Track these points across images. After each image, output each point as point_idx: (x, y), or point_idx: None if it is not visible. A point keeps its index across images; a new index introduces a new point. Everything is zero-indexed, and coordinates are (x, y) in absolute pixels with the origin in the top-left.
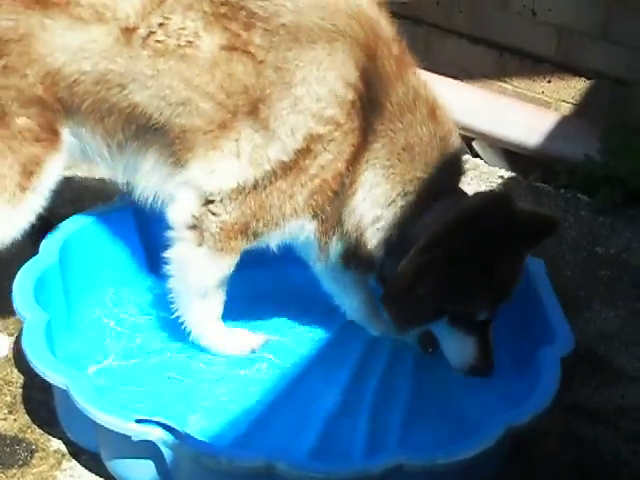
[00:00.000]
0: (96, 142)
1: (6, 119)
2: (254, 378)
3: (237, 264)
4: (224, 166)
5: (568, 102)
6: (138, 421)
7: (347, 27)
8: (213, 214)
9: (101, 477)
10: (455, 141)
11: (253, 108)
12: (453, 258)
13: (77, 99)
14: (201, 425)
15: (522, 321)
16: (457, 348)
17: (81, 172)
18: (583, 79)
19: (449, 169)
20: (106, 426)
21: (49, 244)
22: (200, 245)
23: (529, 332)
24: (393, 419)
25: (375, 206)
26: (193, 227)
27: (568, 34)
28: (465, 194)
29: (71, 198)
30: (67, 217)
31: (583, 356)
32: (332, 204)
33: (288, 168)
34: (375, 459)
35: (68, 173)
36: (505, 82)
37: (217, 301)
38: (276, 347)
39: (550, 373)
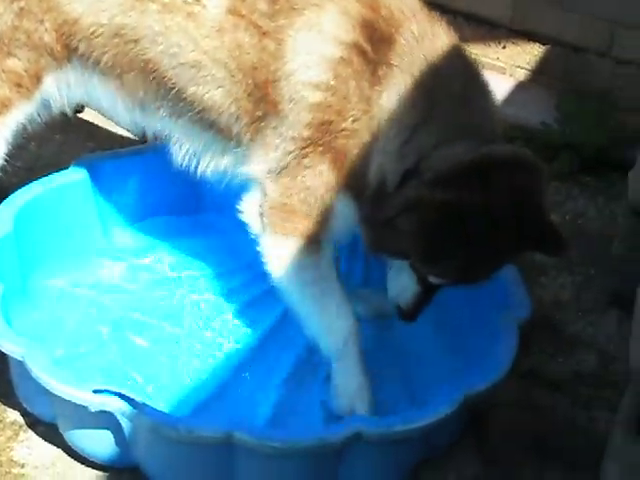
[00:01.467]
0: (112, 96)
1: None
2: (212, 349)
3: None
4: (255, 153)
5: (523, 68)
6: (95, 391)
7: None
8: (262, 194)
9: (58, 448)
10: (482, 82)
11: (264, 92)
12: (451, 210)
13: (96, 52)
14: (159, 396)
15: (478, 288)
16: (400, 285)
17: (35, 140)
18: (539, 45)
19: (479, 110)
20: (63, 397)
21: (3, 213)
22: (265, 232)
23: (485, 299)
24: None
25: (401, 132)
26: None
27: None
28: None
29: (25, 166)
30: (21, 186)
31: (539, 323)
32: (362, 162)
33: (307, 145)
34: (334, 428)
35: (21, 141)
36: None
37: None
38: (232, 318)
39: (507, 340)
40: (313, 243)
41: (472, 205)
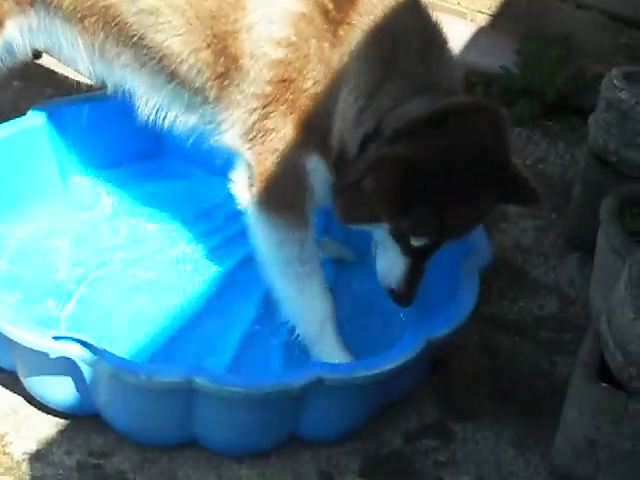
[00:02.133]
0: (74, 41)
1: None
2: (173, 295)
3: None
4: (225, 115)
5: (484, 13)
6: (55, 338)
7: None
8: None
9: (19, 396)
10: (441, 36)
11: (224, 45)
12: (414, 162)
13: None
14: (119, 342)
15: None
16: (387, 263)
17: None
18: None
19: (438, 65)
20: (23, 344)
21: None
22: (252, 206)
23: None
24: None
25: (360, 97)
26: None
27: None
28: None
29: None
30: None
31: (501, 268)
32: (324, 126)
33: (269, 102)
34: (295, 373)
35: None
36: None
37: (312, 287)
38: (193, 265)
39: (469, 285)
40: (299, 218)
41: (434, 155)
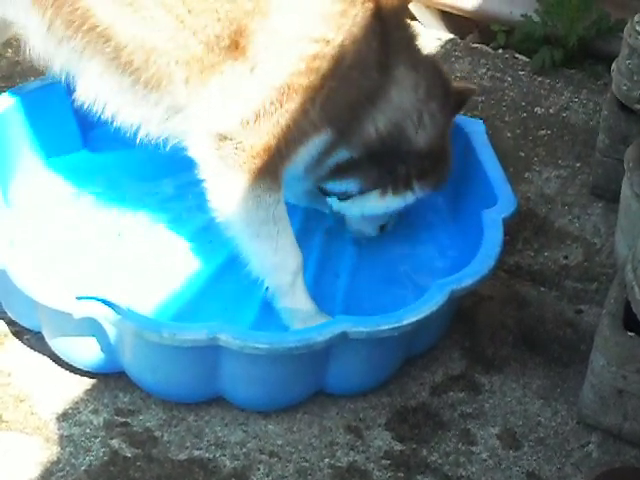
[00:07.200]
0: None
1: None
2: (194, 252)
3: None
4: (219, 103)
5: None
6: (79, 298)
7: None
8: (229, 140)
9: (45, 356)
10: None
11: (232, 43)
12: None
13: None
14: (143, 301)
15: (463, 184)
16: None
17: (12, 47)
18: None
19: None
20: (47, 305)
21: None
22: (226, 174)
23: (470, 195)
24: (337, 287)
25: (415, 101)
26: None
27: None
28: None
29: (3, 74)
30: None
31: (525, 218)
32: (352, 112)
33: (289, 89)
34: (319, 327)
35: None
36: None
37: (285, 243)
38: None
39: (493, 235)
40: (273, 181)
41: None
